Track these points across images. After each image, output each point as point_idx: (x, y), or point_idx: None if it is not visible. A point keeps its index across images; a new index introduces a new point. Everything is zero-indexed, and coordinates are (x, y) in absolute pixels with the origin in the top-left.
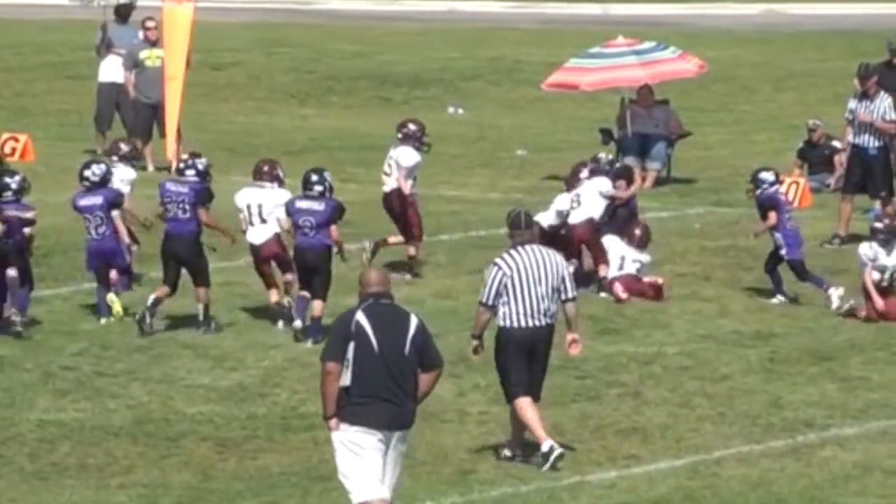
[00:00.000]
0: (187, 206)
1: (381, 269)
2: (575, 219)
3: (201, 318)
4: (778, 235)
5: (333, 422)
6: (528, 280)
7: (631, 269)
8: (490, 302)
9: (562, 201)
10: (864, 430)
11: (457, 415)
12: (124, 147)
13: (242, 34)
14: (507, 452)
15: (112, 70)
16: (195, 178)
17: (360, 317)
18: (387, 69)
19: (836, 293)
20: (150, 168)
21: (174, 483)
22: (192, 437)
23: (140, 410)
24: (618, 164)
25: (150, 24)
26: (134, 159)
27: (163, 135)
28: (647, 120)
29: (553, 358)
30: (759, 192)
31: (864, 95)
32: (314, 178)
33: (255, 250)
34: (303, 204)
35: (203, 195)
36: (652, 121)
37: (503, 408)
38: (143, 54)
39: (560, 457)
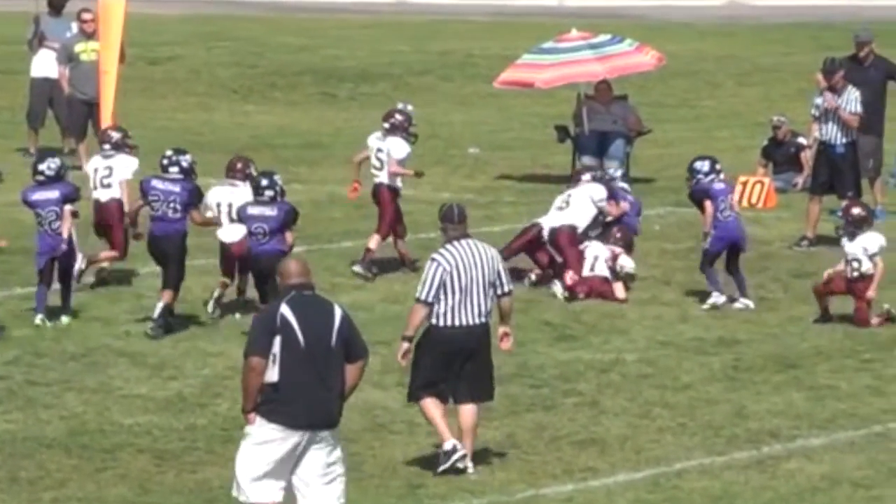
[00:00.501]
0: (178, 206)
1: (301, 259)
2: (559, 221)
3: (156, 314)
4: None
5: (252, 416)
6: (466, 276)
7: (602, 269)
8: (430, 298)
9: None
10: (832, 440)
11: (406, 426)
12: (115, 134)
13: (181, 27)
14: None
15: (45, 64)
16: (180, 176)
17: (285, 310)
18: (332, 64)
19: (716, 300)
20: (85, 168)
21: (110, 497)
22: (129, 449)
23: (74, 421)
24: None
25: (86, 16)
26: (126, 147)
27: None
28: (604, 116)
29: (506, 366)
30: (693, 182)
31: (831, 90)
32: (264, 182)
33: (225, 247)
34: (254, 210)
35: (196, 195)
36: (610, 117)
37: (453, 418)
38: (78, 47)
39: (463, 458)
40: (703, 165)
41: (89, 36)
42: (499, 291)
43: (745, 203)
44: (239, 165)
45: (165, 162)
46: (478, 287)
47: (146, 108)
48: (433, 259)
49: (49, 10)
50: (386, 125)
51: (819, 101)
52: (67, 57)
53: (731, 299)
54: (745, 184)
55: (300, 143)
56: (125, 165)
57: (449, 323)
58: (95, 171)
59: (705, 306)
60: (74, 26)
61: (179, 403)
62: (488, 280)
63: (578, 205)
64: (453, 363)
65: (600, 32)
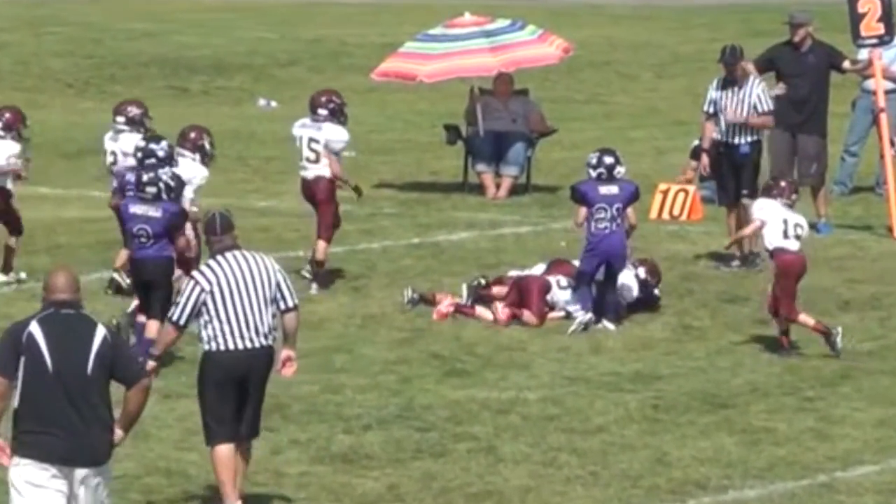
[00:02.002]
0: None
1: (71, 272)
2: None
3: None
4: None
5: (2, 444)
6: (235, 293)
7: (560, 296)
8: (182, 321)
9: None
10: (769, 492)
11: (272, 476)
12: (134, 109)
13: (5, 10)
14: None
15: None
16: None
17: (34, 327)
18: (183, 53)
19: (581, 318)
20: None
21: None
22: None
23: None
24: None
25: None
26: (143, 126)
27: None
28: (502, 114)
29: (389, 406)
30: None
31: (730, 82)
32: (146, 177)
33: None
34: (137, 209)
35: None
36: (509, 115)
37: (327, 467)
38: None
39: None
40: (591, 158)
41: None
42: (281, 306)
43: (665, 215)
44: (192, 135)
45: (140, 155)
46: (252, 304)
47: None
48: (191, 276)
49: None
50: (323, 111)
51: (715, 94)
52: None
53: (659, 326)
54: (665, 192)
55: None
56: (122, 150)
57: (223, 347)
58: (104, 153)
59: (572, 327)
60: None
61: None
62: (266, 295)
63: None
64: (237, 392)
65: (499, 17)
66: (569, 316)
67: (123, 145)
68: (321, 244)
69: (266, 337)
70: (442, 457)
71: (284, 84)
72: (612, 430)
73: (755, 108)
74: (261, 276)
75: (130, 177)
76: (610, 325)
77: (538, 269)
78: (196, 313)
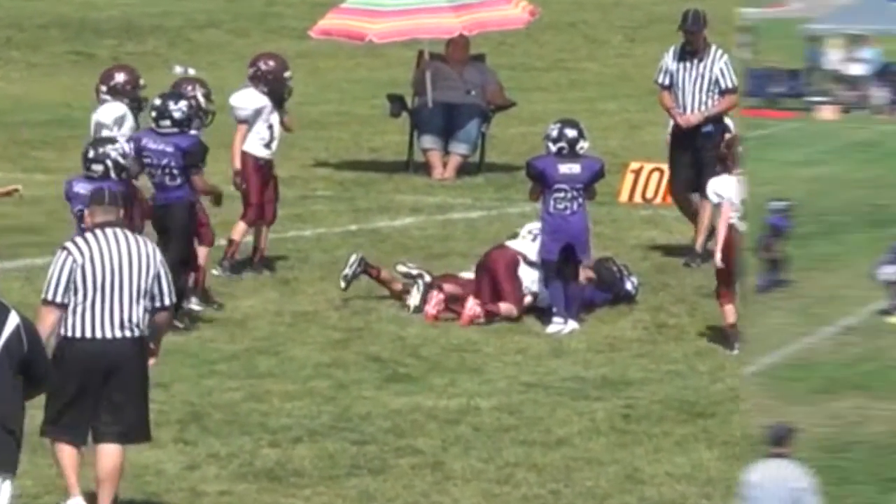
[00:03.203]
0: (175, 171)
1: None
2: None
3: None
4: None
5: None
6: (106, 274)
7: (527, 275)
8: (58, 298)
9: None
10: None
11: (187, 495)
12: (121, 77)
13: None
14: None
15: None
16: (174, 130)
17: None
18: (88, 14)
19: (559, 327)
20: None
21: None
22: None
23: None
24: None
25: None
26: (131, 97)
27: None
28: (455, 83)
29: (322, 415)
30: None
31: (690, 53)
32: (91, 153)
33: None
34: (80, 188)
35: (194, 154)
36: (463, 85)
37: (251, 485)
38: None
39: None
40: (551, 130)
41: None
42: (156, 303)
43: (637, 198)
44: (186, 88)
45: (154, 114)
46: (123, 290)
47: None
48: (63, 247)
49: None
50: (250, 71)
51: (672, 65)
52: None
53: (629, 323)
54: (637, 172)
55: (46, 118)
56: (97, 119)
57: (81, 333)
58: (96, 124)
59: (552, 329)
60: None
61: None
62: (141, 285)
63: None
64: (91, 388)
65: None
66: (536, 299)
67: (101, 116)
68: (240, 224)
69: (134, 329)
70: (382, 473)
71: (202, 48)
72: (575, 443)
73: (717, 83)
74: (139, 263)
75: (149, 142)
76: (573, 323)
77: (467, 274)
78: (70, 288)
